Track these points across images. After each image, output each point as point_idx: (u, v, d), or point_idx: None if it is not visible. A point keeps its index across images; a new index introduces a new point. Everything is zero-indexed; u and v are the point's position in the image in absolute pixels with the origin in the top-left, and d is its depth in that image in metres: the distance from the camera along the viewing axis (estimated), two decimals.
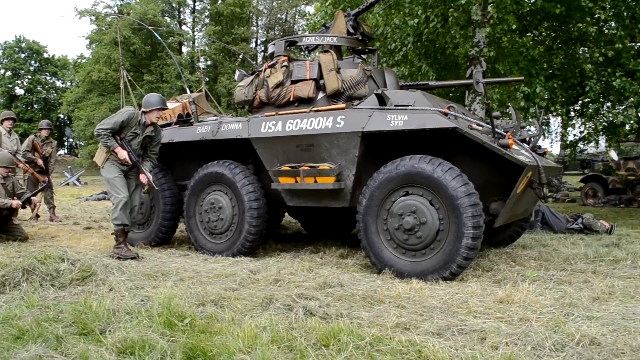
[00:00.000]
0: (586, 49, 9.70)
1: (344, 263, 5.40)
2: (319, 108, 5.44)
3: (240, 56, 34.29)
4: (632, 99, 8.82)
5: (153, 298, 3.77)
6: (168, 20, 36.81)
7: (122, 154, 5.70)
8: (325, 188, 5.30)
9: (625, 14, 8.67)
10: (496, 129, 4.76)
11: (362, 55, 6.31)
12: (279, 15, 40.26)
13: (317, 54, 6.05)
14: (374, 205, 4.90)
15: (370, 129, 4.97)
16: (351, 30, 6.20)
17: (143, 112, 5.81)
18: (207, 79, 34.12)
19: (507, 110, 9.04)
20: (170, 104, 7.30)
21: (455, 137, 4.80)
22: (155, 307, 3.52)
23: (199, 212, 6.16)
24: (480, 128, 4.94)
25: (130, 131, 5.75)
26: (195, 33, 38.95)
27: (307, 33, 12.52)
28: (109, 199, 15.67)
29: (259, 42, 41.01)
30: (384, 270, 4.79)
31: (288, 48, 6.18)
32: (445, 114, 4.78)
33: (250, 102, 6.08)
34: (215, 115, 6.92)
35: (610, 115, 10.04)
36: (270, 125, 5.61)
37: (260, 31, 41.18)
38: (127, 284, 4.32)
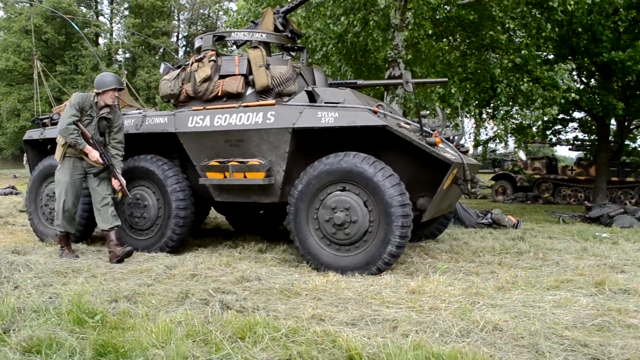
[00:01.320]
0: (497, 55, 10.24)
1: (263, 257, 5.42)
2: (249, 103, 5.40)
3: (161, 50, 33.43)
4: (538, 101, 9.40)
5: (62, 295, 3.61)
6: (84, 10, 35.21)
7: (94, 154, 5.24)
8: (255, 184, 5.26)
9: (532, 24, 9.22)
10: (424, 128, 4.92)
11: (290, 53, 6.30)
12: (201, 11, 39.56)
13: (246, 50, 5.99)
14: (309, 193, 4.93)
15: (300, 125, 5.00)
16: (280, 28, 6.16)
17: (96, 93, 5.37)
18: (126, 72, 32.96)
19: (432, 109, 9.43)
20: None
21: (384, 134, 4.90)
22: (65, 304, 3.38)
23: (121, 208, 5.90)
24: (408, 126, 5.07)
25: (85, 116, 5.29)
26: (114, 25, 37.53)
27: (231, 29, 12.37)
28: (16, 194, 14.84)
29: (180, 36, 40.12)
30: (303, 263, 4.84)
31: (216, 43, 6.07)
32: (375, 112, 4.88)
33: (176, 96, 5.91)
34: (138, 109, 6.68)
35: (519, 116, 10.65)
36: (197, 120, 5.51)
37: (182, 26, 40.28)
38: (34, 281, 4.11)
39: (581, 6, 8.84)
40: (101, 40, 36.33)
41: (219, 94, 5.62)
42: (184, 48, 39.35)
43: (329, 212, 4.84)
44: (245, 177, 5.29)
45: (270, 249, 5.85)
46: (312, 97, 5.16)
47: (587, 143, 17.81)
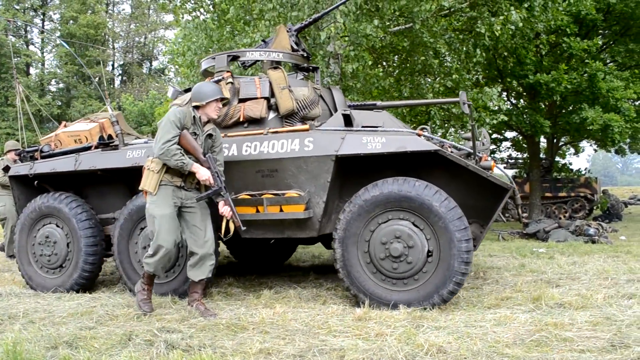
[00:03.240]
0: (429, 79, 10.63)
1: (208, 292, 5.33)
2: (278, 129, 4.94)
3: (96, 79, 32.74)
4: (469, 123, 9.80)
5: None
6: (12, 39, 34.12)
7: (203, 173, 4.38)
8: (294, 218, 4.74)
9: (460, 49, 9.65)
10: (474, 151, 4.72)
11: (304, 73, 5.81)
12: (136, 39, 39.09)
13: (260, 71, 5.49)
14: (359, 223, 4.54)
15: (345, 152, 4.58)
16: (295, 47, 5.72)
17: (195, 107, 4.59)
18: (109, 99, 32.01)
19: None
20: (85, 125, 6.30)
21: (429, 158, 4.63)
22: (0, 354, 3.24)
23: (134, 250, 5.29)
24: (449, 149, 4.82)
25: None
26: (45, 54, 36.48)
27: (166, 58, 12.19)
28: None
29: (115, 65, 39.42)
30: (249, 296, 4.71)
31: (230, 63, 5.53)
32: (419, 136, 4.62)
33: None
34: (137, 137, 6.08)
35: (453, 138, 11.05)
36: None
37: (117, 54, 39.62)
38: None
39: (505, 31, 9.33)
40: (32, 71, 35.23)
41: (241, 119, 5.09)
42: (120, 77, 38.65)
43: (384, 243, 4.47)
44: (281, 210, 4.75)
45: (215, 283, 5.76)
46: (349, 120, 4.80)
47: (520, 161, 18.59)
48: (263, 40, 6.16)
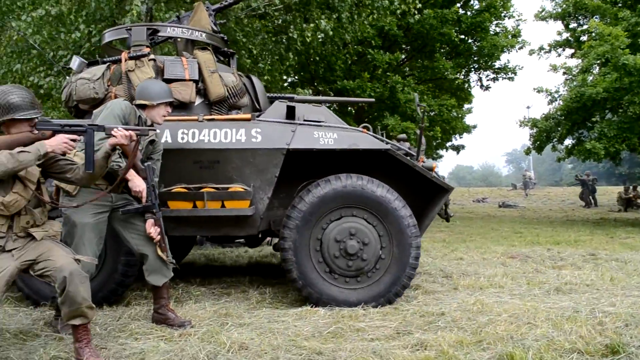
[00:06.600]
0: None
1: None
2: (215, 117, 4.51)
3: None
4: None
5: None
6: None
7: (138, 184, 3.67)
8: (239, 214, 4.35)
9: (274, 51, 9.97)
10: (410, 151, 4.74)
11: (221, 58, 5.39)
12: None
13: (186, 51, 4.86)
14: (310, 221, 4.33)
15: (296, 146, 4.35)
16: (215, 28, 5.27)
17: (138, 106, 3.85)
18: None
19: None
20: None
21: (370, 157, 4.58)
22: None
23: None
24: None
25: None
26: None
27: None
28: None
29: None
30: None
31: (150, 38, 4.90)
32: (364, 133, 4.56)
33: (99, 100, 4.51)
34: None
35: None
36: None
37: None
38: None
39: (315, 38, 9.86)
40: None
41: None
42: None
43: (338, 240, 4.36)
44: (223, 206, 4.35)
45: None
46: (292, 113, 4.53)
47: None
48: (177, 17, 5.66)
